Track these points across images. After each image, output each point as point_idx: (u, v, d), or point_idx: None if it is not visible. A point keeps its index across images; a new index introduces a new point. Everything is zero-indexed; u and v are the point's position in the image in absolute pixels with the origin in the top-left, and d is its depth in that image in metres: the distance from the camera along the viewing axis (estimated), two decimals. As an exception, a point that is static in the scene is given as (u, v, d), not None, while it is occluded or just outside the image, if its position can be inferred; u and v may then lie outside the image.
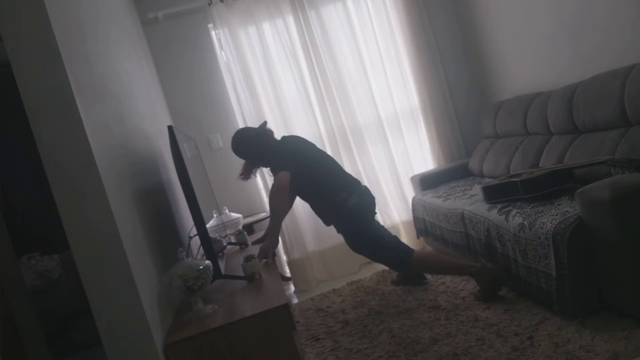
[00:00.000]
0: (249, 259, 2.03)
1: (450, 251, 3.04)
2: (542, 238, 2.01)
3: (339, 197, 2.62)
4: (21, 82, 1.35)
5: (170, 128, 1.88)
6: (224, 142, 3.72)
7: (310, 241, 3.62)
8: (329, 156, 2.83)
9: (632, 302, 1.82)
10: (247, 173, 2.76)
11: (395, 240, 2.68)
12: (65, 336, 2.82)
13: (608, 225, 1.79)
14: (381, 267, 3.42)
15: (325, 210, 2.72)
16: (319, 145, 3.60)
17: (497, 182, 2.56)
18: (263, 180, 3.64)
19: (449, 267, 2.59)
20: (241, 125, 3.66)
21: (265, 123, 2.76)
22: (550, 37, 3.01)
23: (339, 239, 2.90)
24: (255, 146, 2.65)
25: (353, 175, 2.83)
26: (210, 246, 1.87)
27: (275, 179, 2.54)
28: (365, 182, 3.72)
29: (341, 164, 3.64)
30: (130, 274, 1.43)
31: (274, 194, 2.51)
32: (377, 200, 3.68)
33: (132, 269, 1.43)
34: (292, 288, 3.59)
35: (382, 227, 2.76)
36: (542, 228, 2.01)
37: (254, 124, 3.56)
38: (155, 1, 3.57)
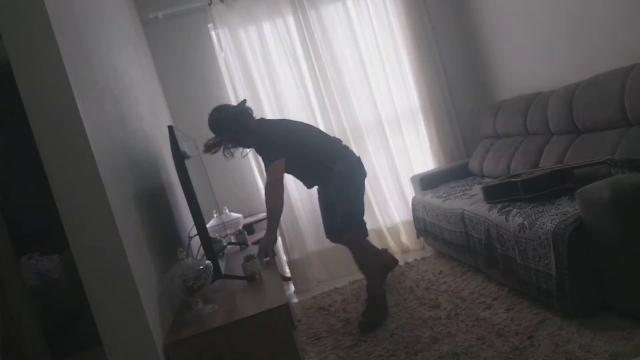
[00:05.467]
0: (249, 259, 2.03)
1: (450, 251, 3.04)
2: (542, 238, 2.01)
3: (327, 167, 2.58)
4: (21, 82, 1.35)
5: (170, 128, 1.88)
6: (224, 142, 3.71)
7: (310, 241, 3.62)
8: (309, 126, 2.73)
9: (632, 302, 1.82)
10: (211, 148, 2.61)
11: (363, 214, 2.65)
12: (65, 336, 2.82)
13: (608, 225, 1.79)
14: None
15: (313, 177, 2.69)
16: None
17: (497, 182, 2.56)
18: (263, 180, 3.64)
19: (369, 264, 2.58)
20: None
21: (244, 101, 2.60)
22: (551, 37, 3.01)
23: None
24: (233, 124, 2.50)
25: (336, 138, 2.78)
26: (210, 246, 1.87)
27: (268, 171, 2.46)
28: (365, 182, 3.71)
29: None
30: (130, 274, 1.43)
31: (270, 190, 2.43)
32: (376, 200, 3.73)
33: (132, 269, 1.44)
34: (292, 288, 3.59)
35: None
36: (542, 228, 2.01)
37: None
38: (155, 1, 3.57)
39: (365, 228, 2.67)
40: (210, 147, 2.61)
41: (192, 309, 1.70)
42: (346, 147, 2.71)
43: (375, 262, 2.60)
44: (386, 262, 3.09)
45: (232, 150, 2.62)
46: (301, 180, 2.78)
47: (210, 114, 2.57)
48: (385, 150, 3.78)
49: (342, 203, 2.59)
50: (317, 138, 2.66)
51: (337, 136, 3.68)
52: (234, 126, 2.51)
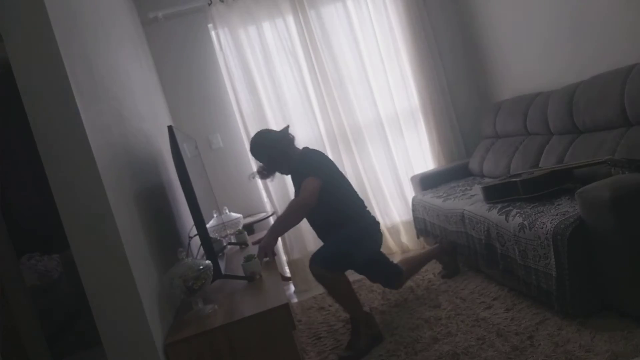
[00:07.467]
0: (249, 259, 2.02)
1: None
2: (542, 238, 2.01)
3: (353, 219, 2.46)
4: (21, 82, 1.35)
5: (170, 128, 1.88)
6: (224, 142, 3.72)
7: (310, 241, 3.62)
8: (344, 176, 2.63)
9: (632, 302, 1.82)
10: (263, 174, 2.62)
11: (348, 263, 2.41)
12: (65, 336, 2.82)
13: (608, 225, 1.79)
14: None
15: (332, 226, 2.47)
16: (319, 145, 3.64)
17: (497, 182, 2.56)
18: (263, 181, 3.64)
19: (347, 299, 2.35)
20: (241, 125, 3.67)
21: (287, 127, 2.59)
22: (551, 36, 3.01)
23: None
24: (275, 150, 2.48)
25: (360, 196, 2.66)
26: (210, 246, 1.87)
27: (304, 185, 2.34)
28: (365, 182, 3.72)
29: (341, 164, 3.66)
30: (130, 274, 1.42)
31: (300, 205, 2.31)
32: (377, 200, 3.74)
33: (132, 269, 1.43)
34: (292, 288, 3.59)
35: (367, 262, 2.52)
36: (542, 228, 2.01)
37: (254, 123, 3.57)
38: (155, 1, 3.57)
39: (342, 269, 2.36)
40: (265, 175, 2.62)
41: (192, 309, 1.70)
42: (369, 212, 2.58)
43: (351, 294, 2.36)
44: (447, 252, 2.89)
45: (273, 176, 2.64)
46: (312, 219, 2.55)
47: (252, 138, 2.57)
48: (385, 150, 3.78)
49: (335, 241, 2.39)
50: (350, 188, 2.56)
51: (337, 136, 3.70)
52: (274, 151, 2.49)
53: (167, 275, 1.62)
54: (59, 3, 1.51)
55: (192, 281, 1.60)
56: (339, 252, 2.32)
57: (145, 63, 3.17)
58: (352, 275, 3.38)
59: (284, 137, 2.52)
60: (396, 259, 3.52)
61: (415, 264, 2.81)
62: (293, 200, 2.40)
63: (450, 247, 2.90)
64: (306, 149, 2.59)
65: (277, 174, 2.65)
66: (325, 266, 2.25)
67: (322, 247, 2.36)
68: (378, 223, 2.57)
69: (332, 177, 2.47)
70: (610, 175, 2.08)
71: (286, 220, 2.36)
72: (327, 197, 2.37)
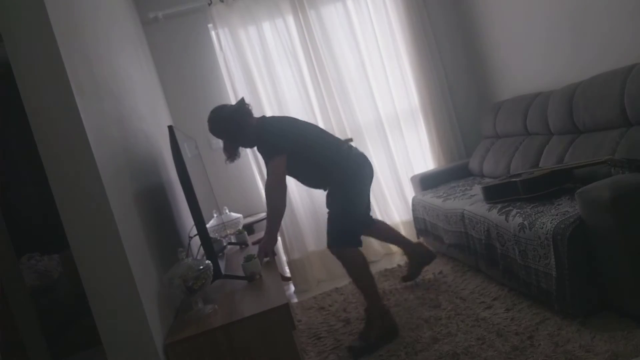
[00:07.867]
0: (249, 259, 2.02)
1: (450, 251, 3.04)
2: (542, 238, 2.01)
3: (338, 164, 2.44)
4: (21, 82, 1.35)
5: (170, 128, 1.88)
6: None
7: (310, 241, 3.63)
8: (313, 126, 2.58)
9: (632, 302, 1.82)
10: (230, 155, 2.51)
11: (359, 224, 2.46)
12: (65, 336, 2.82)
13: (608, 225, 1.79)
14: (382, 266, 3.43)
15: (322, 179, 2.53)
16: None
17: (497, 182, 2.56)
18: (263, 180, 3.64)
19: (366, 281, 2.38)
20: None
21: (242, 99, 2.48)
22: (551, 37, 3.01)
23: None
24: (231, 124, 2.40)
25: (342, 139, 2.63)
26: (211, 246, 1.87)
27: (269, 168, 2.33)
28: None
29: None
30: (130, 274, 1.43)
31: (271, 189, 2.29)
32: (376, 201, 3.73)
33: (132, 269, 1.43)
34: (292, 288, 3.59)
35: (366, 203, 2.60)
36: (542, 228, 2.01)
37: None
38: (155, 1, 3.57)
39: (358, 239, 2.41)
40: (230, 155, 2.50)
41: (192, 309, 1.70)
42: (350, 147, 2.53)
43: (371, 278, 2.38)
44: (421, 255, 2.89)
45: (239, 151, 2.53)
46: (302, 182, 2.64)
47: (209, 116, 2.49)
48: (385, 150, 3.78)
49: (336, 210, 2.43)
50: (320, 137, 2.52)
51: (337, 136, 3.68)
52: (232, 125, 2.41)
53: (167, 275, 1.62)
54: (59, 3, 1.51)
55: (192, 281, 1.60)
56: (345, 226, 2.39)
57: (145, 63, 3.17)
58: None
59: (241, 109, 2.44)
60: (395, 259, 3.54)
61: (388, 235, 2.91)
62: (265, 189, 2.36)
63: (428, 256, 2.89)
64: (262, 119, 2.50)
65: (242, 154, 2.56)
66: (342, 245, 2.35)
67: (329, 226, 2.41)
68: (364, 156, 2.54)
69: (298, 138, 2.41)
70: (610, 175, 2.08)
71: (273, 213, 2.33)
72: (302, 160, 2.38)
